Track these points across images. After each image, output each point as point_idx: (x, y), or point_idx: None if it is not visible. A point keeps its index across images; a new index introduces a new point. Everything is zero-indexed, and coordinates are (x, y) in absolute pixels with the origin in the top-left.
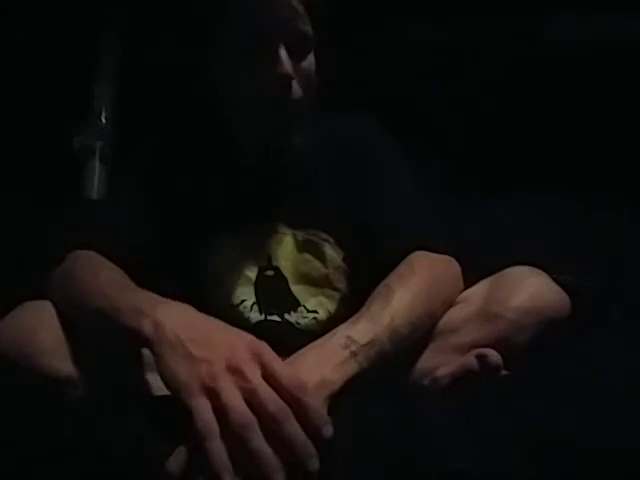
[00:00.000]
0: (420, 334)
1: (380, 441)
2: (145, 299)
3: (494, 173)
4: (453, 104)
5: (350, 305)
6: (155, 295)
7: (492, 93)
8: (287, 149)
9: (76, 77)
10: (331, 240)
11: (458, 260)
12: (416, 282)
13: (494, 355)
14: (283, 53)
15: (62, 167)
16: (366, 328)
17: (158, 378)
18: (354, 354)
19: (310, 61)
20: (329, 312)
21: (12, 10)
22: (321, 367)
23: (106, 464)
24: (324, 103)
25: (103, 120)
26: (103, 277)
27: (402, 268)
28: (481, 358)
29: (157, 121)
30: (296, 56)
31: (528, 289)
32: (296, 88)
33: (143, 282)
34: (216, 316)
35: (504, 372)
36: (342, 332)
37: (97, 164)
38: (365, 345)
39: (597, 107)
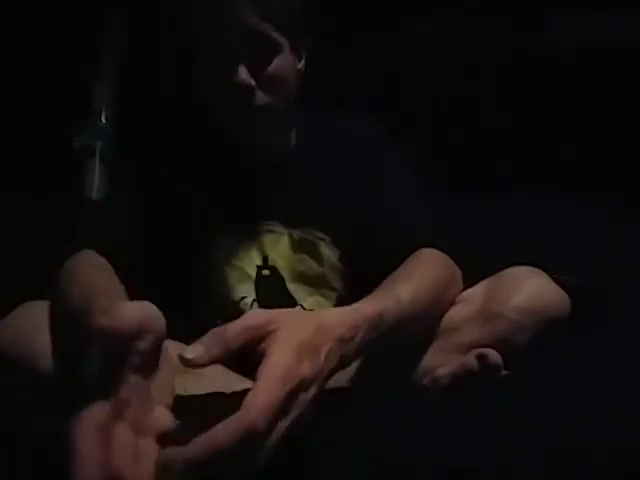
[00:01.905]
0: (424, 323)
1: (380, 441)
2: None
3: (494, 173)
4: (453, 104)
5: (347, 304)
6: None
7: (492, 93)
8: (259, 152)
9: (76, 77)
10: (327, 239)
11: (458, 260)
12: (425, 275)
13: (494, 355)
14: (240, 65)
15: (62, 167)
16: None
17: None
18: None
19: (278, 65)
20: None
21: (12, 10)
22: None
23: None
24: (323, 103)
25: (103, 120)
26: (91, 279)
27: (409, 264)
28: (481, 358)
29: (156, 121)
30: (260, 62)
31: (528, 289)
32: (260, 95)
33: (144, 282)
34: (218, 313)
35: (504, 372)
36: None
37: (97, 164)
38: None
39: (597, 107)
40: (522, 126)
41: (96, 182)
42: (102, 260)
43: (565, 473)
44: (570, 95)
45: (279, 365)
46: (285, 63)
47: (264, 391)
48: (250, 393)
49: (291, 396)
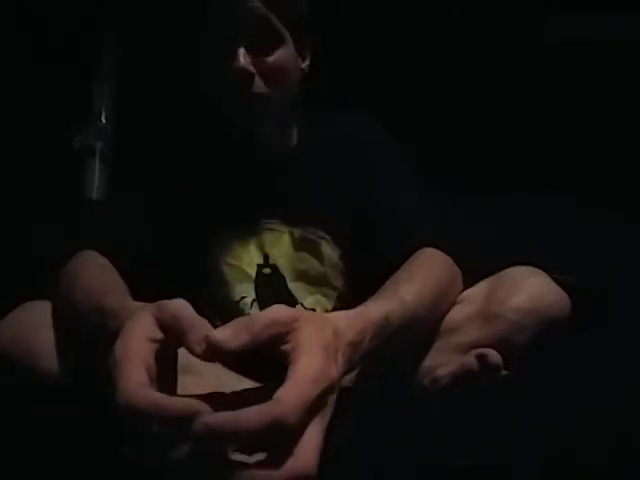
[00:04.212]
0: (427, 324)
1: (380, 440)
2: (122, 305)
3: (494, 173)
4: (453, 103)
5: (347, 303)
6: (132, 302)
7: (492, 93)
8: (259, 145)
9: (76, 77)
10: (328, 238)
11: (458, 260)
12: (427, 276)
13: (494, 355)
14: (241, 50)
15: (62, 167)
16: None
17: None
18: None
19: (280, 57)
20: (326, 311)
21: (12, 10)
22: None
23: (106, 463)
24: (323, 102)
25: (103, 120)
26: (94, 279)
27: (410, 265)
28: (481, 358)
29: (156, 121)
30: (262, 52)
31: (528, 289)
32: (259, 83)
33: (145, 281)
34: (217, 313)
35: (504, 372)
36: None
37: (97, 164)
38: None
39: (597, 107)
40: (522, 126)
41: (96, 182)
42: (103, 260)
43: (565, 473)
44: (570, 95)
45: (312, 366)
46: (287, 57)
47: (297, 388)
48: (282, 388)
49: (322, 398)
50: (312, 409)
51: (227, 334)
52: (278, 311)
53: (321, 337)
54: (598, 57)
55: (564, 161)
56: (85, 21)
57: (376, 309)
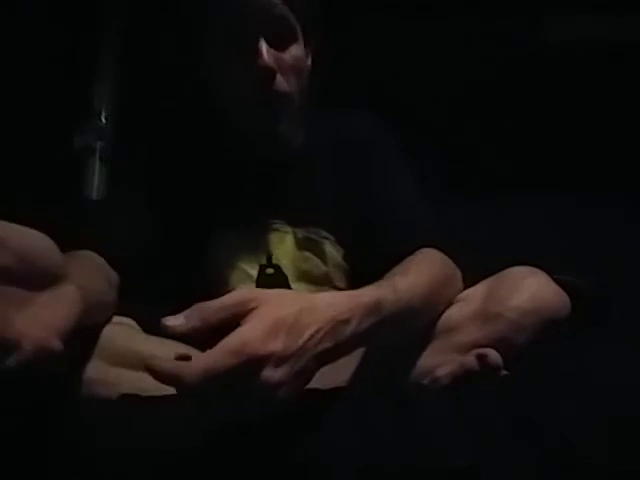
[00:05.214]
0: (421, 318)
1: (380, 441)
2: None
3: (494, 173)
4: (453, 104)
5: None
6: None
7: (492, 93)
8: (277, 144)
9: (76, 77)
10: (331, 238)
11: (458, 260)
12: (423, 271)
13: (494, 355)
14: (263, 46)
15: (62, 167)
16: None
17: None
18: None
19: (295, 53)
20: None
21: (12, 10)
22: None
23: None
24: (324, 100)
25: (103, 120)
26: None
27: (407, 262)
28: (481, 358)
29: (157, 121)
30: (279, 49)
31: (528, 289)
32: (280, 81)
33: (144, 282)
34: None
35: (504, 372)
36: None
37: (97, 164)
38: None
39: (597, 107)
40: (522, 126)
41: (96, 182)
42: (101, 260)
43: (565, 473)
44: (570, 95)
45: (241, 337)
46: (300, 54)
47: (209, 356)
48: (196, 354)
49: (246, 367)
50: (226, 378)
51: (179, 320)
52: (233, 294)
53: (274, 312)
54: (598, 57)
55: (564, 161)
56: (85, 21)
57: (368, 293)
